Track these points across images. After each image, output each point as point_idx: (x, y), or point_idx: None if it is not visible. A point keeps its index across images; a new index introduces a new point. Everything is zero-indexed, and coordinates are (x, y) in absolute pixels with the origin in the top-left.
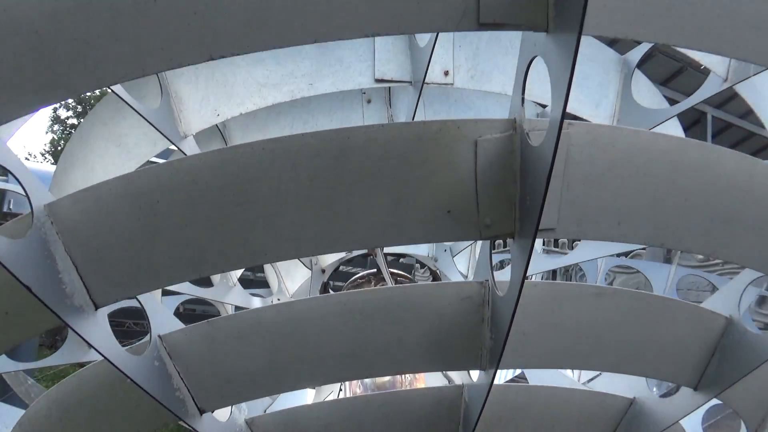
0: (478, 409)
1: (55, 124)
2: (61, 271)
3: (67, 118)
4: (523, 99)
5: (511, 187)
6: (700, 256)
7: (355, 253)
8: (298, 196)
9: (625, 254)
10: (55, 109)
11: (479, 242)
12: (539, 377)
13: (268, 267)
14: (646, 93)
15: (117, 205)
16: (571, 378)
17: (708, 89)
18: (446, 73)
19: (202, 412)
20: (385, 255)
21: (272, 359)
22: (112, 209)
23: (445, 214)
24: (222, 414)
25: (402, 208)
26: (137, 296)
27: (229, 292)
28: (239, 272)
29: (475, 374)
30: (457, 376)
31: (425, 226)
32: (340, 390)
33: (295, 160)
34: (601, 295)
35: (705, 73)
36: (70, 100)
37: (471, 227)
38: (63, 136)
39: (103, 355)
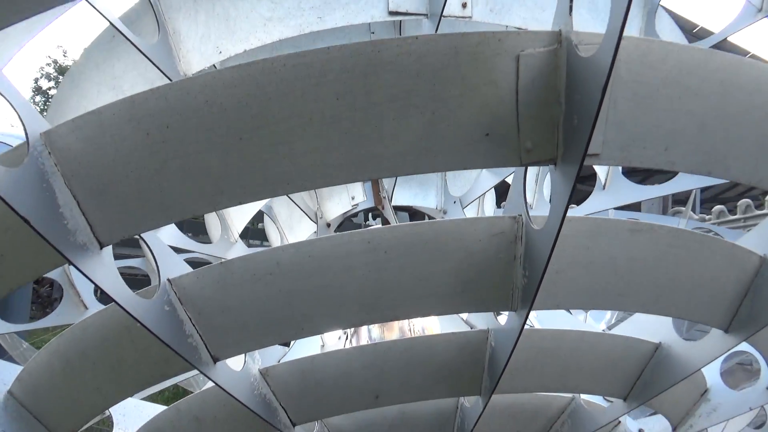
0: (505, 354)
1: (37, 95)
2: (61, 206)
3: (49, 89)
4: (570, 7)
5: (554, 107)
6: (696, 216)
7: (362, 206)
8: (323, 118)
9: (624, 208)
10: (36, 80)
11: (487, 195)
12: (548, 324)
13: (268, 222)
14: (669, 32)
15: (121, 131)
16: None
17: (742, 20)
18: (464, 5)
19: (215, 360)
20: (394, 208)
21: (291, 302)
22: (116, 136)
23: (483, 137)
24: (236, 364)
25: (437, 131)
26: (143, 235)
27: (230, 248)
28: (241, 228)
29: (498, 322)
30: (480, 323)
31: (461, 150)
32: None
33: (319, 78)
34: (637, 231)
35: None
36: (51, 71)
37: (510, 152)
38: (45, 107)
39: (110, 297)
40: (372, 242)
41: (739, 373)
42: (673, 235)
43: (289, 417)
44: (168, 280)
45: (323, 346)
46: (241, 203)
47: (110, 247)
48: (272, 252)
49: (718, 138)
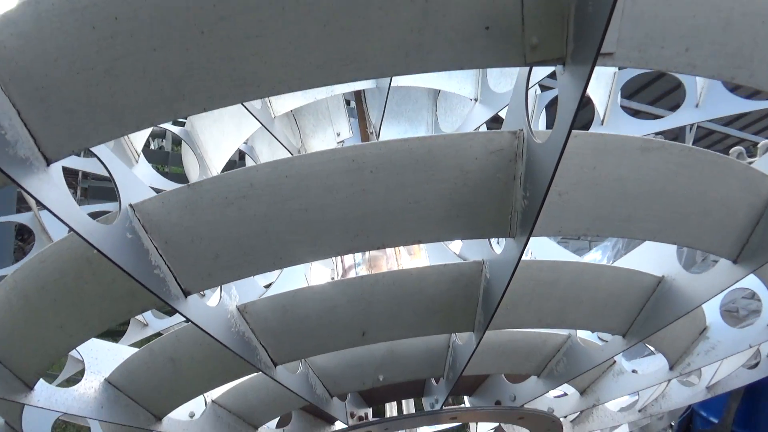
0: (501, 287)
1: None
2: None
3: None
4: None
5: None
6: None
7: (348, 143)
8: (298, 6)
9: None
10: None
11: (480, 130)
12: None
13: (248, 162)
14: None
15: (63, 26)
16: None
17: None
18: None
19: (186, 293)
20: None
21: (267, 228)
22: (57, 31)
23: (482, 30)
24: (211, 300)
25: (430, 23)
26: (98, 154)
27: None
28: (220, 167)
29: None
30: (475, 254)
31: (457, 46)
32: None
33: None
34: (648, 149)
35: None
36: None
37: (513, 48)
38: None
39: (60, 219)
40: (356, 160)
41: (726, 319)
42: (685, 154)
43: (269, 356)
44: (130, 205)
45: None
46: (205, 109)
47: (60, 164)
48: (245, 172)
49: (745, 37)
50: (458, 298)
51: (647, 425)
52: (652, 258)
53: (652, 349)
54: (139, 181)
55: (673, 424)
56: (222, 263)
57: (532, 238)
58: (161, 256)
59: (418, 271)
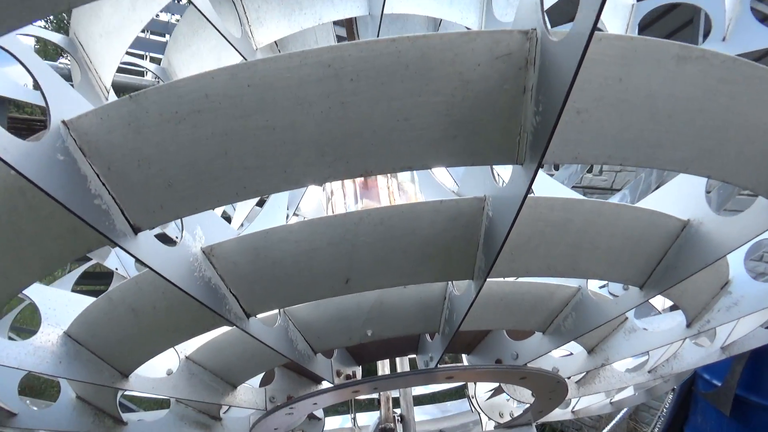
0: (504, 227)
1: None
2: None
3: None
4: None
5: None
6: None
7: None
8: None
9: None
10: None
11: None
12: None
13: None
14: None
15: None
16: None
17: None
18: None
19: (136, 229)
20: None
21: (227, 150)
22: None
23: None
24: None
25: None
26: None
27: None
28: None
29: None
30: (476, 189)
31: None
32: None
33: None
34: (685, 59)
35: None
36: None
37: None
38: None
39: None
40: (333, 66)
41: None
42: (728, 66)
43: (241, 306)
44: (63, 122)
45: None
46: None
47: None
48: (198, 80)
49: None
50: (456, 241)
51: (652, 387)
52: (678, 198)
53: (658, 308)
54: (76, 95)
55: (675, 387)
56: (176, 193)
57: (537, 180)
58: (103, 184)
59: (409, 209)
